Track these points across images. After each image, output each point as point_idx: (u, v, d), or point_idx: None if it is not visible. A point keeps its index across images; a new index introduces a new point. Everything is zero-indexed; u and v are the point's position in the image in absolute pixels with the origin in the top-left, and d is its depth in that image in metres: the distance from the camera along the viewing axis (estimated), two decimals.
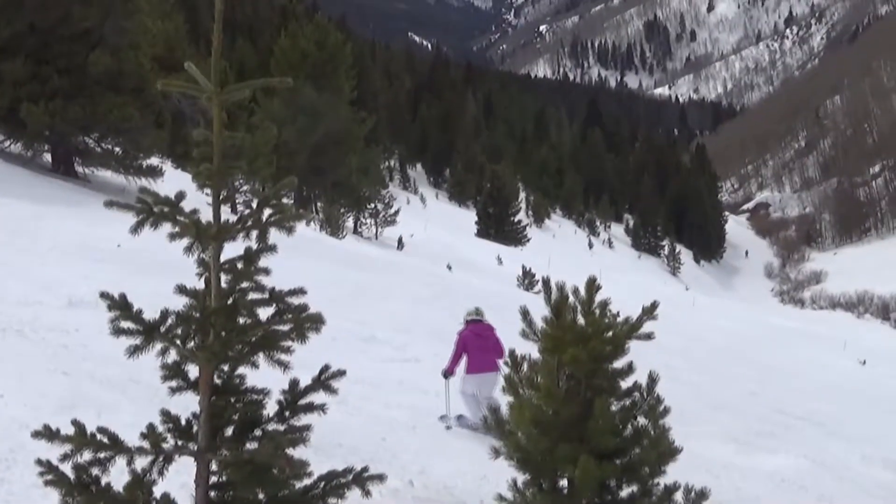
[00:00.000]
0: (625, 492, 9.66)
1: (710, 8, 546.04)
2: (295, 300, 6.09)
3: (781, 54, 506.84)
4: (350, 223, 55.98)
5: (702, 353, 40.33)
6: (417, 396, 17.21)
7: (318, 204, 54.70)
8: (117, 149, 34.69)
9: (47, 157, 35.51)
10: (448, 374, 16.24)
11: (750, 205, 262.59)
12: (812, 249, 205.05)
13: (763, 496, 16.25)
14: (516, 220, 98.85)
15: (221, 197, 5.93)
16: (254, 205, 6.00)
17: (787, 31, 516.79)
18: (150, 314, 5.83)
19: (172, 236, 5.90)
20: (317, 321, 6.07)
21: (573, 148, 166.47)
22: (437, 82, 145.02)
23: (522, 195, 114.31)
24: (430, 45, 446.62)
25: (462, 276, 47.88)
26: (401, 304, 29.03)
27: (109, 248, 21.28)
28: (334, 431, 9.76)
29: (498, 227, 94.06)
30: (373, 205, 59.26)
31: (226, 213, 6.05)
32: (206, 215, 5.99)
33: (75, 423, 5.86)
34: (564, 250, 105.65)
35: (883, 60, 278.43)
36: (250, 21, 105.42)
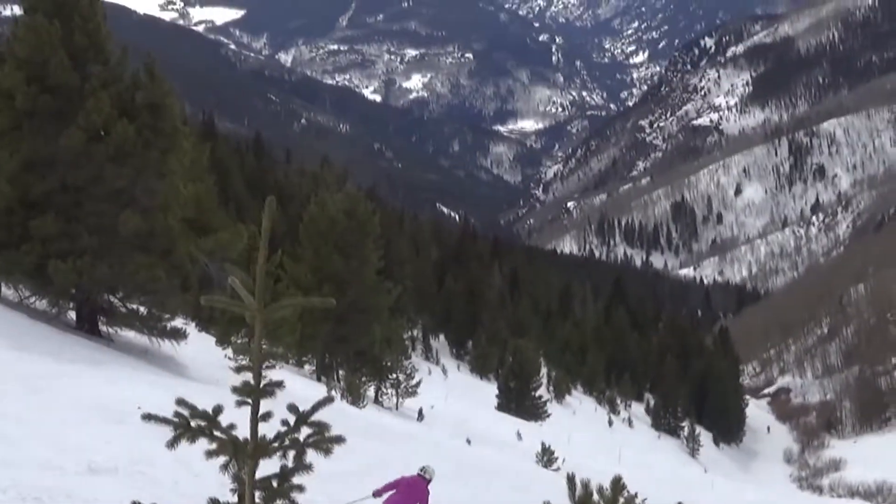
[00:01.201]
0: None
1: (738, 192, 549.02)
2: None
3: (807, 241, 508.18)
4: (371, 392, 55.80)
5: None
6: None
7: (340, 372, 54.65)
8: (142, 309, 34.82)
9: (72, 314, 35.62)
10: (376, 494, 17.94)
11: (771, 389, 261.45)
12: (832, 437, 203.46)
13: None
14: (537, 395, 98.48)
15: (259, 415, 5.87)
16: (291, 421, 5.94)
17: (814, 217, 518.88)
18: (174, 484, 5.71)
19: (209, 453, 5.85)
20: None
21: (597, 325, 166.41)
22: (463, 254, 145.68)
23: (544, 370, 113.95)
24: (457, 217, 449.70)
25: (482, 450, 47.62)
26: None
27: (130, 410, 21.25)
28: None
29: (518, 401, 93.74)
30: (394, 375, 59.13)
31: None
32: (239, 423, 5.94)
33: None
34: (584, 427, 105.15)
35: None
36: (280, 185, 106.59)
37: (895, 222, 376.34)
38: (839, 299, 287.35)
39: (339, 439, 5.97)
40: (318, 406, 5.96)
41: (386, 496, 18.23)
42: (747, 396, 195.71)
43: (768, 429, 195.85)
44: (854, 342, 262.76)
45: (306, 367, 55.63)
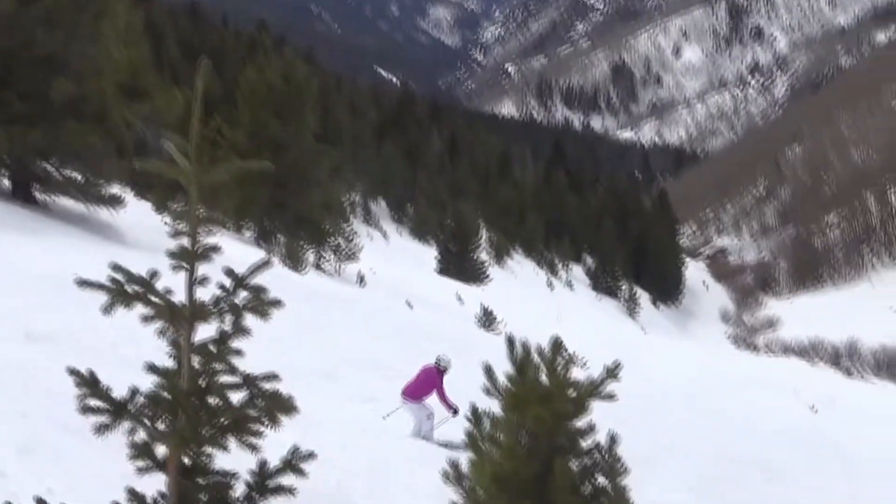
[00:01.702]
0: None
1: (677, 54, 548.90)
2: (267, 385, 5.95)
3: (745, 102, 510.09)
4: (311, 258, 55.66)
5: (657, 398, 40.41)
6: (375, 439, 17.09)
7: (280, 237, 54.44)
8: (78, 176, 34.35)
9: (6, 183, 35.14)
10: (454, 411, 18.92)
11: (709, 250, 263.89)
12: (768, 296, 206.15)
13: None
14: (477, 258, 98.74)
15: (195, 279, 5.76)
16: (228, 285, 5.84)
17: (751, 79, 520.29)
18: (113, 350, 5.66)
19: (146, 319, 5.76)
20: (289, 407, 5.94)
21: (536, 188, 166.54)
22: (402, 118, 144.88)
23: (484, 233, 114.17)
24: (396, 80, 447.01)
25: (422, 313, 47.78)
26: (361, 341, 28.96)
27: (67, 278, 21.02)
28: None
29: (459, 264, 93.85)
30: (335, 239, 58.97)
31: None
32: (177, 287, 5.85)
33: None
34: (524, 289, 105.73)
35: (843, 112, 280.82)
36: (216, 49, 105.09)
37: (831, 83, 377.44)
38: (776, 160, 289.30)
39: (278, 303, 5.88)
40: (255, 269, 5.86)
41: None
42: (685, 257, 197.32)
43: (704, 283, 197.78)
44: (790, 202, 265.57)
45: (246, 232, 55.35)
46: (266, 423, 5.93)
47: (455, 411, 19.16)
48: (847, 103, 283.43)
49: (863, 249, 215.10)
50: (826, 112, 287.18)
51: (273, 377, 6.03)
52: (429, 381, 20.04)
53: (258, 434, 5.93)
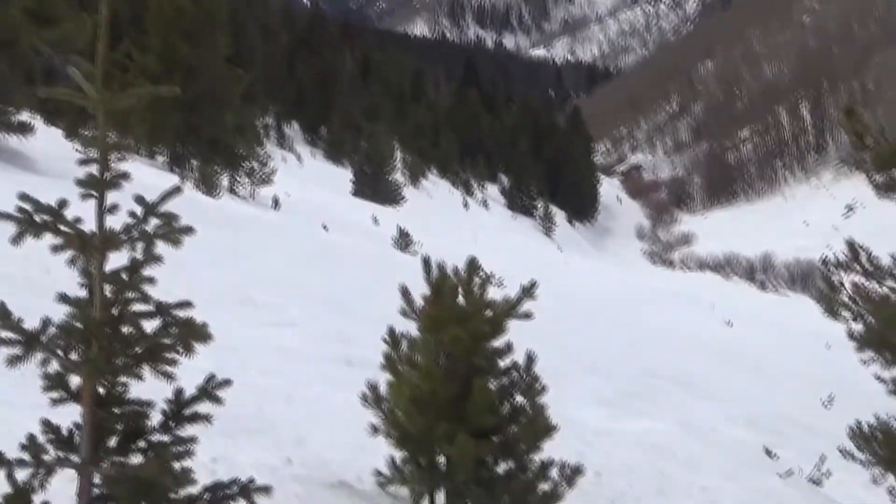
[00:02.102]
0: (501, 468, 9.65)
1: None
2: (181, 312, 5.87)
3: (657, 18, 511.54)
4: (225, 182, 55.21)
5: (574, 315, 40.63)
6: (294, 363, 17.01)
7: (193, 162, 53.95)
8: None
9: None
10: None
11: (623, 167, 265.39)
12: (682, 212, 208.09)
13: (634, 463, 16.34)
14: (392, 179, 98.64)
15: (105, 207, 5.65)
16: (139, 212, 5.73)
17: None
18: (24, 280, 5.57)
19: (56, 248, 5.65)
20: (204, 335, 5.87)
21: (450, 108, 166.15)
22: (314, 39, 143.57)
23: (398, 154, 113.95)
24: (307, 1, 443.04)
25: (338, 236, 47.67)
26: (277, 265, 28.79)
27: None
28: None
29: (374, 186, 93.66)
30: (248, 163, 58.51)
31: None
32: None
33: None
34: (440, 210, 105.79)
35: (754, 27, 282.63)
36: None
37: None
38: (688, 76, 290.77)
39: (189, 230, 5.78)
40: (166, 196, 5.75)
41: None
42: (600, 175, 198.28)
43: (618, 198, 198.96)
44: (703, 118, 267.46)
45: (159, 158, 54.79)
46: (181, 351, 5.85)
47: None
48: (758, 19, 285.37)
49: (775, 164, 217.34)
50: (737, 27, 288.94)
51: (187, 304, 5.95)
52: None
53: (173, 362, 5.86)
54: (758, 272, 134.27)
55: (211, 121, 53.79)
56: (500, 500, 9.57)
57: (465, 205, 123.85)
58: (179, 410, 6.09)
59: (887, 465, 9.82)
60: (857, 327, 9.61)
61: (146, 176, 35.21)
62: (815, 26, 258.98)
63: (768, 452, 21.32)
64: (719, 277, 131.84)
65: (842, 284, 9.70)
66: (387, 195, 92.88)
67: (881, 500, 11.32)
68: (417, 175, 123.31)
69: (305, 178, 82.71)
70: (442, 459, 9.72)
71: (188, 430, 6.10)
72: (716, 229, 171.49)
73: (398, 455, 9.93)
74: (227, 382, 6.20)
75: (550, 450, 9.99)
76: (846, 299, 9.57)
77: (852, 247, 9.51)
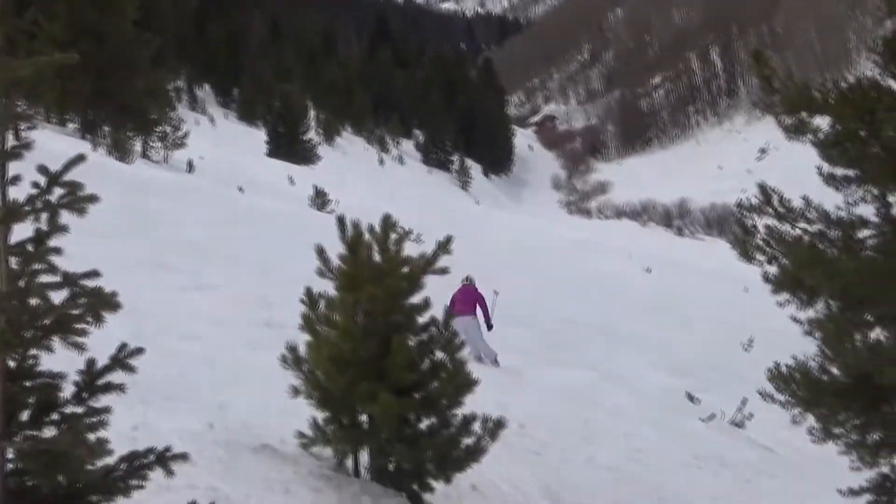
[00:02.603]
0: (424, 424, 9.65)
1: None
2: (89, 282, 5.77)
3: None
4: (139, 147, 54.70)
5: (493, 268, 40.63)
6: (213, 327, 16.92)
7: (105, 128, 53.37)
8: None
9: None
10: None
11: (537, 118, 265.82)
12: (597, 160, 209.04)
13: (557, 412, 16.43)
14: (307, 139, 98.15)
15: (7, 179, 5.53)
16: (42, 183, 5.62)
17: None
18: None
19: None
20: (112, 304, 5.77)
21: (362, 65, 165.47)
22: (223, 1, 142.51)
23: (312, 114, 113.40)
24: None
25: (254, 198, 47.42)
26: (193, 228, 28.59)
27: None
28: None
29: (288, 146, 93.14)
30: (161, 127, 57.98)
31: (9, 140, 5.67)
32: None
33: None
34: (356, 168, 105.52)
35: None
36: None
37: None
38: (599, 25, 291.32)
39: (93, 198, 5.68)
40: (69, 165, 5.65)
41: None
42: (514, 126, 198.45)
43: (530, 147, 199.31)
44: (614, 66, 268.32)
45: (70, 125, 54.17)
46: (90, 321, 5.75)
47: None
48: None
49: (688, 110, 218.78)
50: None
51: (94, 274, 5.85)
52: (472, 297, 21.69)
53: (83, 333, 5.76)
54: (674, 218, 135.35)
55: (121, 86, 53.20)
56: (424, 455, 9.58)
57: (381, 161, 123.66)
58: (92, 381, 6.00)
59: (806, 405, 9.91)
60: (772, 270, 9.68)
61: (56, 144, 34.77)
62: None
63: (690, 397, 21.53)
64: (636, 225, 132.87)
65: (755, 228, 9.75)
66: (302, 155, 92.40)
67: (802, 440, 11.42)
68: (332, 133, 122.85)
69: (219, 140, 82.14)
70: (364, 418, 9.72)
71: (102, 401, 6.01)
72: (631, 177, 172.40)
73: (320, 416, 9.90)
74: (139, 350, 6.11)
75: (473, 404, 10.01)
76: (760, 242, 9.63)
77: (764, 190, 9.57)
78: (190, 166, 55.38)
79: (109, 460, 5.93)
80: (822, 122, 8.88)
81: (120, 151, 47.61)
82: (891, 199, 9.01)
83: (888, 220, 9.04)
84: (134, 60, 54.35)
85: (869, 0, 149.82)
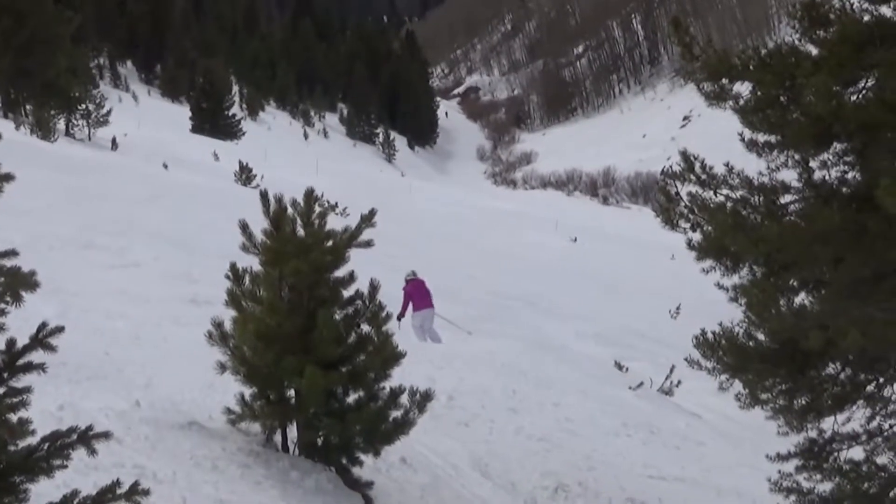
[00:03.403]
0: (351, 398, 9.68)
1: None
2: (6, 262, 5.71)
3: None
4: (62, 125, 54.30)
5: (419, 240, 40.74)
6: (139, 305, 16.87)
7: (27, 107, 52.95)
8: None
9: None
10: (400, 317, 20.01)
11: (460, 89, 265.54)
12: (522, 131, 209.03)
13: (485, 383, 16.47)
14: (230, 114, 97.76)
15: None
16: None
17: None
18: None
19: None
20: (30, 283, 5.71)
21: (284, 39, 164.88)
22: None
23: (236, 89, 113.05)
24: None
25: (179, 174, 47.19)
26: (118, 206, 28.41)
27: None
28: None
29: (213, 122, 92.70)
30: (84, 105, 57.54)
31: None
32: None
33: None
34: (280, 142, 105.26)
35: None
36: None
37: None
38: None
39: (8, 177, 5.62)
40: None
41: (411, 311, 21.83)
42: (438, 98, 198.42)
43: (446, 114, 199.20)
44: (536, 36, 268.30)
45: None
46: (9, 300, 5.70)
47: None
48: None
49: (611, 79, 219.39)
50: None
51: (12, 253, 5.79)
52: (425, 289, 22.55)
53: (2, 313, 5.71)
54: (600, 187, 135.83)
55: (43, 64, 52.72)
56: (352, 429, 9.60)
57: (305, 136, 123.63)
58: (12, 361, 5.94)
59: (733, 371, 9.99)
60: (696, 237, 9.74)
61: None
62: None
63: (619, 366, 21.68)
64: (562, 194, 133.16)
65: (678, 195, 9.79)
66: (226, 130, 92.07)
67: (730, 406, 11.53)
68: (255, 108, 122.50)
69: (143, 117, 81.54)
70: (292, 393, 9.71)
71: (24, 381, 5.96)
72: (556, 146, 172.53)
73: (248, 391, 9.89)
74: (60, 329, 6.05)
75: (400, 377, 10.03)
76: (683, 209, 9.67)
77: (686, 157, 9.61)
78: (114, 144, 54.99)
79: (32, 440, 5.87)
80: (743, 88, 8.94)
81: (43, 130, 47.25)
82: (812, 164, 9.09)
83: (810, 185, 9.12)
84: (55, 38, 53.85)
85: None
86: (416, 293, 21.95)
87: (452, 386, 15.27)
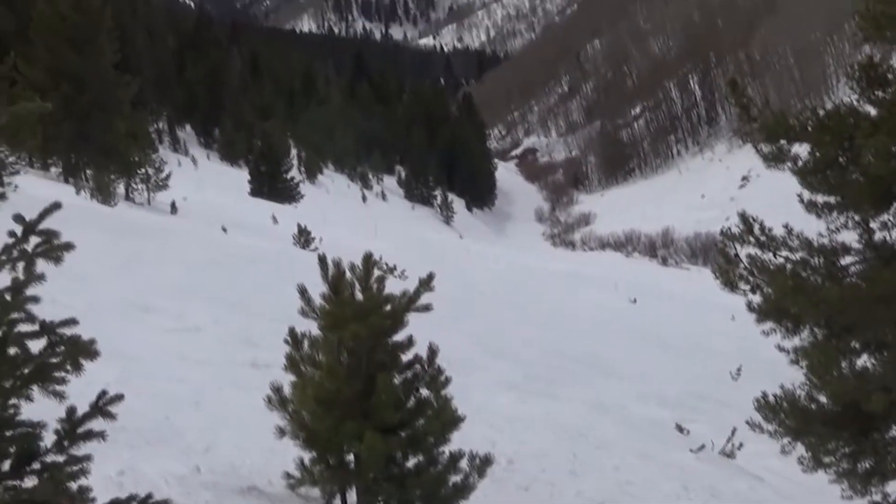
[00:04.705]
0: (411, 463, 9.63)
1: None
2: (67, 330, 5.74)
3: (541, 0, 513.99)
4: (121, 190, 54.72)
5: (478, 301, 40.66)
6: (199, 369, 16.89)
7: (87, 171, 53.45)
8: None
9: None
10: None
11: (518, 151, 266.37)
12: (580, 192, 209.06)
13: (545, 446, 16.36)
14: (289, 177, 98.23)
15: None
16: (18, 232, 5.59)
17: None
18: None
19: None
20: (90, 352, 5.74)
21: (342, 102, 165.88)
22: (201, 40, 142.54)
23: (294, 152, 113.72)
24: (191, 3, 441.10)
25: (238, 237, 47.40)
26: (178, 270, 28.52)
27: None
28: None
29: (271, 185, 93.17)
30: (143, 169, 58.00)
31: None
32: None
33: None
34: (338, 205, 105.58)
35: (638, 3, 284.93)
36: None
37: None
38: (577, 57, 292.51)
39: (69, 246, 5.67)
40: (44, 214, 5.63)
41: None
42: (495, 160, 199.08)
43: (493, 163, 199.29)
44: (594, 98, 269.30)
45: (53, 169, 54.29)
46: (69, 369, 5.73)
47: None
48: None
49: (669, 139, 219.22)
50: (621, 5, 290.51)
51: (72, 322, 5.83)
52: None
53: (62, 381, 5.74)
54: (659, 248, 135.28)
55: (103, 129, 53.36)
56: (412, 494, 9.54)
57: (364, 198, 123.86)
58: (73, 429, 5.96)
59: (795, 434, 9.90)
60: (756, 299, 9.68)
61: (40, 189, 34.76)
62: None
63: (680, 428, 21.49)
64: (621, 255, 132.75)
65: (737, 257, 9.75)
66: (284, 193, 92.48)
67: (793, 469, 11.41)
68: (314, 171, 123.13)
69: (202, 180, 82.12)
70: (351, 458, 9.69)
71: (84, 448, 5.97)
72: (615, 207, 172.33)
73: (307, 456, 9.87)
74: (119, 397, 6.07)
75: (460, 440, 9.98)
76: (743, 271, 9.63)
77: (745, 219, 9.57)
78: (173, 207, 55.35)
79: None
80: (802, 149, 8.91)
81: (103, 194, 47.59)
82: (872, 224, 9.04)
83: (870, 246, 9.07)
84: (115, 103, 54.51)
85: (846, 26, 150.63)
86: None
87: (512, 449, 15.19)
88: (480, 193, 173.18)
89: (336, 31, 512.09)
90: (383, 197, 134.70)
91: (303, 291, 9.51)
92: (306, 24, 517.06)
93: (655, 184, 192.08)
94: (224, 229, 50.17)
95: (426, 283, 9.28)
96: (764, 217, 9.69)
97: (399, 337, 9.54)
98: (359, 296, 9.31)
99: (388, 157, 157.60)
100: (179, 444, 11.80)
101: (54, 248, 5.62)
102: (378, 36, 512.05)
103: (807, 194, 9.07)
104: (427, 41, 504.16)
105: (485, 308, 39.22)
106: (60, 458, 5.90)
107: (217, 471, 10.81)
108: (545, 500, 13.85)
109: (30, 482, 5.75)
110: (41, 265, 5.69)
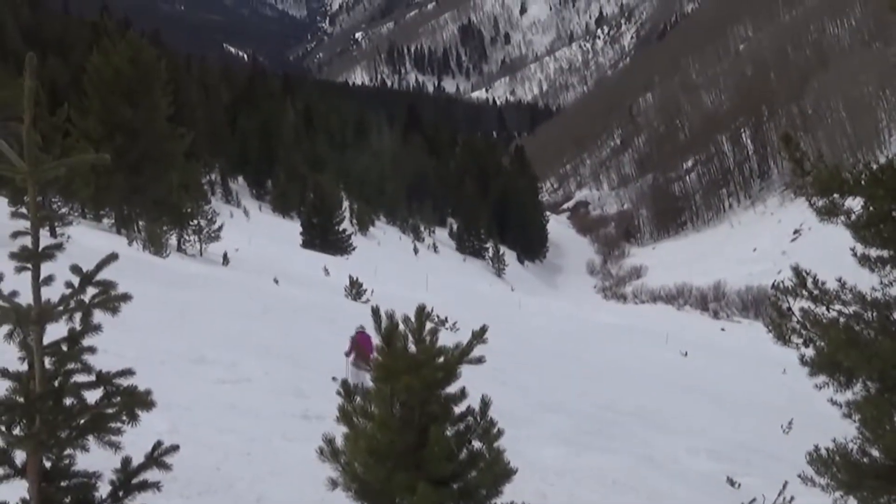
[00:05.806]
0: None
1: (523, 11, 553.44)
2: (123, 381, 5.78)
3: (594, 54, 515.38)
4: (173, 241, 55.07)
5: (530, 354, 40.54)
6: (250, 420, 16.91)
7: (140, 223, 53.83)
8: None
9: None
10: (347, 354, 20.11)
11: (570, 204, 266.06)
12: (631, 245, 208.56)
13: (596, 500, 16.29)
14: (341, 229, 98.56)
15: (41, 278, 5.57)
16: (75, 283, 5.65)
17: (599, 31, 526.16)
18: None
19: None
20: (146, 402, 5.77)
21: (394, 154, 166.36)
22: (254, 93, 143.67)
23: (346, 203, 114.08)
24: (245, 56, 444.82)
25: (290, 289, 47.55)
26: (229, 321, 28.65)
27: None
28: None
29: (323, 236, 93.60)
30: (195, 221, 58.35)
31: (44, 237, 5.69)
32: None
33: None
34: (390, 257, 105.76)
35: (691, 57, 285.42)
36: (60, 37, 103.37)
37: (677, 30, 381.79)
38: (629, 110, 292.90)
39: (126, 297, 5.71)
40: (101, 265, 5.68)
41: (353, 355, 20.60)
42: (547, 213, 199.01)
43: (543, 213, 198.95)
44: (646, 151, 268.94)
45: (105, 220, 54.73)
46: (125, 419, 5.76)
47: None
48: (694, 49, 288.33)
49: (721, 192, 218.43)
50: (674, 59, 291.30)
51: (129, 373, 5.86)
52: (370, 343, 20.76)
53: (118, 431, 5.77)
54: (710, 301, 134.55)
55: (155, 180, 53.75)
56: None
57: (415, 250, 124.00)
58: (128, 480, 5.99)
59: (847, 488, 9.81)
60: (809, 352, 9.63)
61: (93, 240, 35.00)
62: (751, 53, 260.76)
63: (731, 482, 21.33)
64: (672, 308, 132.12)
65: (790, 310, 9.70)
66: (336, 245, 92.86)
67: None
68: (366, 223, 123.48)
69: (254, 232, 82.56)
70: None
71: (138, 499, 6.00)
72: (666, 260, 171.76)
73: None
74: (174, 448, 6.10)
75: (512, 493, 9.95)
76: (796, 325, 9.58)
77: (798, 272, 9.53)
78: (225, 259, 55.62)
79: None
80: (855, 203, 8.88)
81: (155, 245, 47.91)
82: None
83: None
84: (167, 155, 54.93)
85: None
86: (364, 346, 20.45)
87: (563, 502, 15.14)
88: (532, 246, 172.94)
89: (389, 83, 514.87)
90: (435, 249, 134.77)
91: (355, 344, 9.54)
92: (359, 77, 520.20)
93: (707, 237, 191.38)
94: (276, 281, 50.36)
95: (478, 336, 9.28)
96: (816, 271, 9.66)
97: (451, 389, 9.54)
98: (412, 348, 9.32)
99: (440, 209, 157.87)
100: (230, 494, 11.82)
101: (111, 299, 5.67)
102: (431, 88, 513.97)
103: (860, 248, 9.03)
104: (480, 94, 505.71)
105: (536, 361, 39.14)
106: None
107: None
108: None
109: None
110: (97, 315, 5.74)
